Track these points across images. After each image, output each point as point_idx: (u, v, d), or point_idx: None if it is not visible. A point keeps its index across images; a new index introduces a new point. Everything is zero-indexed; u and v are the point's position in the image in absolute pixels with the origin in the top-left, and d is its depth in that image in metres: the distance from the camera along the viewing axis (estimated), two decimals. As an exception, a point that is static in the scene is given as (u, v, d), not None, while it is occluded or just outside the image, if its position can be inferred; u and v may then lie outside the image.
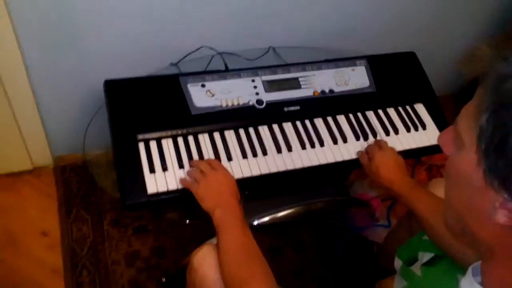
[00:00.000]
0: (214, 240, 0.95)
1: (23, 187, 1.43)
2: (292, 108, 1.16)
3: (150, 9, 1.17)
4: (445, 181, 0.53)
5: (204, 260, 0.88)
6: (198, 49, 1.28)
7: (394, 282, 1.05)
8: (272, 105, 1.14)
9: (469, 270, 0.54)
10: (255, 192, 1.14)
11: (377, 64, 1.28)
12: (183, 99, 1.10)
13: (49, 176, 1.47)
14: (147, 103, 1.08)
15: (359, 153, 1.13)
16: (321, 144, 1.13)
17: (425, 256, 0.97)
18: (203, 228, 1.45)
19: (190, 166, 1.02)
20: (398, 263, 1.06)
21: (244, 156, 1.06)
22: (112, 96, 1.08)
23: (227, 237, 0.85)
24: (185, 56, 1.29)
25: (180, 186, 0.98)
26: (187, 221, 1.11)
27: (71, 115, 1.37)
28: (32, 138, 1.36)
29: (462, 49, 1.75)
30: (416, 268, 0.98)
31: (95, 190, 1.47)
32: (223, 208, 0.89)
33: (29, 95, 1.24)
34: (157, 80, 1.13)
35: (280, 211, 1.30)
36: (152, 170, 0.99)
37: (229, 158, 1.05)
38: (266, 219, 1.24)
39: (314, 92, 1.19)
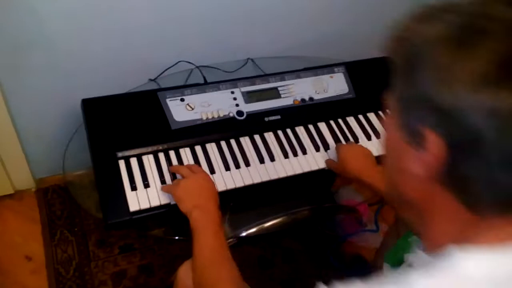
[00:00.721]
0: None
1: (4, 212, 1.40)
2: (273, 117, 1.16)
3: (126, 26, 1.17)
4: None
5: (189, 274, 0.86)
6: (176, 63, 1.28)
7: None
8: (252, 115, 1.14)
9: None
10: (240, 203, 1.13)
11: (355, 70, 1.29)
12: (162, 114, 1.09)
13: (31, 199, 1.44)
14: (126, 120, 1.07)
15: (326, 161, 1.12)
16: (304, 152, 1.13)
17: (410, 258, 0.97)
18: (190, 244, 1.44)
19: (169, 171, 1.01)
20: (386, 267, 1.06)
21: (227, 168, 1.06)
22: (90, 114, 1.07)
23: (199, 241, 0.84)
24: (163, 72, 1.29)
25: (163, 202, 0.97)
26: (176, 237, 1.09)
27: (51, 136, 1.35)
28: (12, 161, 1.34)
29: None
30: (402, 270, 0.98)
31: (78, 211, 1.45)
32: (200, 210, 0.88)
33: (6, 118, 1.22)
34: (135, 96, 1.13)
35: (267, 221, 1.29)
36: (133, 187, 0.98)
37: (212, 171, 1.05)
38: (253, 229, 1.23)
39: (294, 101, 1.19)
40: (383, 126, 0.51)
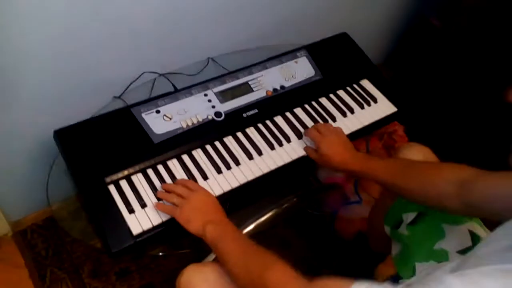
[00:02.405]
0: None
1: (-16, 264, 1.32)
2: (251, 112, 1.16)
3: (81, 46, 1.12)
4: None
5: (190, 281, 0.86)
6: (140, 75, 1.24)
7: (392, 248, 1.10)
8: (230, 114, 1.14)
9: None
10: (236, 203, 1.13)
11: (316, 52, 1.31)
12: (141, 129, 1.06)
13: (9, 244, 1.36)
14: (106, 143, 1.03)
15: (305, 149, 1.13)
16: (288, 140, 1.14)
17: (409, 217, 1.02)
18: (187, 256, 1.42)
19: (164, 190, 0.98)
20: (387, 230, 1.11)
21: (219, 171, 1.05)
22: (66, 145, 1.02)
23: (226, 245, 0.83)
24: (128, 86, 1.24)
25: (164, 218, 0.95)
26: (181, 251, 1.08)
27: (22, 176, 1.28)
28: (-18, 210, 1.26)
29: (381, 23, 1.85)
30: (403, 229, 1.03)
31: (63, 245, 1.38)
32: (213, 223, 0.88)
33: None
34: (108, 117, 1.08)
35: (261, 216, 1.30)
36: (130, 210, 0.95)
37: (205, 177, 1.03)
38: (251, 227, 1.23)
39: (267, 92, 1.20)
40: None
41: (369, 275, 1.37)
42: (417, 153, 1.08)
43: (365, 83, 1.31)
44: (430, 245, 0.96)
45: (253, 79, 1.21)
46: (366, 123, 1.21)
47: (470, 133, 1.71)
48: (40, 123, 1.18)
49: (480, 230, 0.95)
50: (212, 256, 1.11)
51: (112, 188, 0.98)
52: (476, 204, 0.79)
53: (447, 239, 0.95)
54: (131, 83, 1.25)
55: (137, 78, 1.25)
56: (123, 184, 0.99)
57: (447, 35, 1.72)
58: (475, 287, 0.48)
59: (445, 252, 0.94)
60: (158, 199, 0.98)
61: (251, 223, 1.27)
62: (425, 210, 1.00)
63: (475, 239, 0.93)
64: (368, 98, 1.27)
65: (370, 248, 1.40)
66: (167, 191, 0.97)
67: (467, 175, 0.83)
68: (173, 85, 1.21)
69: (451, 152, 1.16)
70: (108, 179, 0.98)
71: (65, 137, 1.03)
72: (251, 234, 1.21)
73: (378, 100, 1.27)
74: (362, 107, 1.25)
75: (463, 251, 0.92)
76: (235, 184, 1.04)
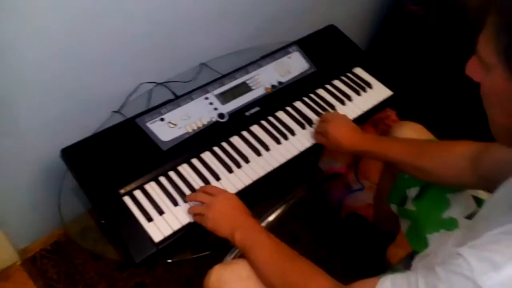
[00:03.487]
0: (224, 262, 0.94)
1: (-4, 296, 1.29)
2: (253, 110, 1.17)
3: (75, 65, 1.11)
4: (485, 104, 0.58)
5: (222, 279, 0.85)
6: (138, 87, 1.24)
7: (401, 226, 1.12)
8: (233, 114, 1.15)
9: None
10: (249, 201, 1.14)
11: (307, 46, 1.34)
12: (148, 139, 1.06)
13: (20, 273, 1.33)
14: (115, 156, 1.03)
15: (314, 136, 1.15)
16: (292, 133, 1.15)
17: (412, 192, 1.05)
18: (201, 260, 1.41)
19: (187, 202, 0.98)
20: (394, 208, 1.13)
21: (230, 170, 1.05)
22: (76, 162, 1.01)
23: (259, 252, 0.83)
24: (127, 98, 1.24)
25: (184, 222, 0.95)
26: (205, 253, 1.07)
27: (27, 201, 1.25)
28: (-10, 241, 1.23)
29: (362, 12, 1.89)
30: (409, 205, 1.06)
31: (75, 267, 1.36)
32: (241, 228, 0.88)
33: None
34: (113, 130, 1.08)
35: (270, 214, 1.31)
36: (149, 218, 0.95)
37: (217, 178, 1.04)
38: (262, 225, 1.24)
39: (266, 89, 1.21)
40: (469, 73, 0.54)
41: (381, 258, 1.39)
42: (411, 130, 1.11)
43: (358, 70, 1.34)
44: (438, 215, 0.99)
45: (250, 78, 1.22)
46: (365, 108, 1.24)
47: (457, 109, 1.76)
48: (42, 146, 1.17)
49: (482, 193, 0.98)
50: (231, 256, 1.11)
51: (127, 199, 0.97)
52: (489, 174, 0.82)
53: (453, 207, 0.98)
54: (129, 95, 1.25)
55: (135, 90, 1.24)
56: (138, 194, 0.99)
57: (425, 20, 1.77)
58: (486, 253, 0.50)
59: (453, 219, 0.96)
60: (175, 204, 0.98)
61: (262, 222, 1.28)
62: (426, 183, 1.03)
63: (479, 202, 0.96)
64: (363, 85, 1.29)
65: (378, 230, 1.42)
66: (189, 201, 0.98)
67: (477, 149, 0.87)
68: (173, 93, 1.21)
69: (443, 129, 1.20)
70: (122, 191, 0.98)
71: (73, 154, 1.02)
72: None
73: (373, 86, 1.30)
74: (358, 93, 1.27)
75: (470, 216, 0.95)
76: (247, 182, 1.05)
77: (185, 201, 0.98)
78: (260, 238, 0.86)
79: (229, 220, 0.90)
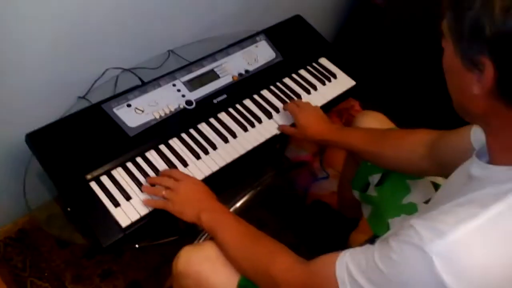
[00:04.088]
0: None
1: (-42, 285, 1.26)
2: (220, 98, 1.18)
3: (39, 50, 1.09)
4: (446, 77, 0.61)
5: (190, 260, 0.87)
6: (104, 72, 1.23)
7: (363, 211, 1.17)
8: (201, 102, 1.16)
9: (473, 157, 0.64)
10: (216, 188, 1.16)
11: (274, 35, 1.36)
12: (115, 125, 1.06)
13: (-17, 262, 1.31)
14: (81, 142, 1.02)
15: (279, 127, 1.17)
16: (259, 121, 1.18)
17: (374, 178, 1.10)
18: (169, 248, 1.43)
19: (149, 183, 0.98)
20: (356, 194, 1.17)
21: (197, 157, 1.07)
22: (41, 147, 1.00)
23: (225, 233, 0.86)
24: (93, 84, 1.23)
25: (151, 208, 0.96)
26: (172, 238, 1.09)
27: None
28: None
29: (328, 4, 1.92)
30: (371, 191, 1.11)
31: (41, 255, 1.35)
32: (207, 211, 0.90)
33: None
34: (79, 116, 1.07)
35: (238, 200, 1.34)
36: (116, 203, 0.95)
37: (185, 164, 1.05)
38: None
39: (233, 77, 1.23)
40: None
41: (344, 243, 1.44)
42: (373, 120, 1.16)
43: (323, 61, 1.37)
44: (399, 200, 1.04)
45: (217, 66, 1.24)
46: (330, 97, 1.27)
47: (418, 98, 1.83)
48: (6, 131, 1.15)
49: (441, 180, 1.03)
50: (199, 241, 1.13)
51: (94, 185, 0.97)
52: (445, 161, 0.87)
53: (413, 193, 1.03)
54: (95, 81, 1.24)
55: (102, 75, 1.23)
56: (104, 179, 0.99)
57: (388, 13, 1.82)
58: (434, 223, 0.54)
59: (413, 204, 1.02)
60: (141, 190, 0.98)
61: (229, 207, 1.30)
62: (388, 170, 1.08)
63: (438, 188, 1.01)
64: (328, 75, 1.33)
65: (342, 217, 1.47)
66: (153, 184, 0.98)
67: (434, 136, 0.92)
68: (140, 79, 1.21)
69: (404, 118, 1.25)
70: (89, 176, 0.98)
71: (39, 139, 1.01)
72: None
73: (337, 76, 1.33)
74: (323, 83, 1.31)
75: (429, 201, 1.00)
76: (215, 168, 1.06)
77: (152, 185, 0.99)
78: (226, 219, 0.89)
79: (195, 203, 0.92)
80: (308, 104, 1.18)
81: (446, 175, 0.81)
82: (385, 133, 1.06)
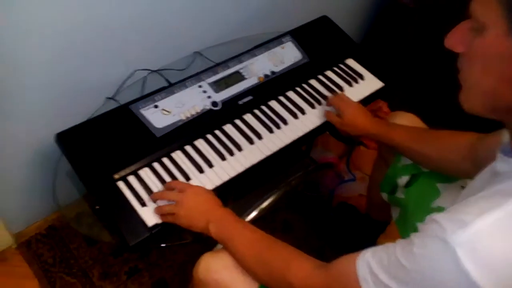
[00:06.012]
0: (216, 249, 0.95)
1: (-9, 279, 1.31)
2: (246, 99, 1.19)
3: (71, 51, 1.12)
4: (469, 70, 0.59)
5: (210, 268, 0.87)
6: (133, 73, 1.25)
7: (392, 214, 1.15)
8: (227, 103, 1.16)
9: (498, 154, 0.63)
10: (240, 189, 1.16)
11: (301, 36, 1.35)
12: (142, 125, 1.08)
13: (16, 256, 1.35)
14: (109, 142, 1.04)
15: (325, 113, 1.18)
16: (284, 122, 1.17)
17: (403, 180, 1.08)
18: (194, 248, 1.44)
19: (152, 199, 0.97)
20: (385, 196, 1.16)
21: (223, 158, 1.07)
22: (71, 146, 1.03)
23: (236, 243, 0.84)
24: (121, 85, 1.25)
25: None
26: (184, 242, 1.09)
27: (22, 185, 1.27)
28: (-15, 224, 1.25)
29: (355, 5, 1.90)
30: (399, 193, 1.09)
31: (70, 251, 1.38)
32: (214, 221, 0.88)
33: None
34: (108, 116, 1.09)
35: (263, 201, 1.33)
36: (142, 203, 0.97)
37: (210, 165, 1.06)
38: (254, 213, 1.26)
39: (259, 79, 1.23)
40: (451, 44, 0.60)
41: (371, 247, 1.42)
42: (405, 121, 1.15)
43: (350, 62, 1.35)
44: (427, 204, 1.02)
45: (243, 67, 1.24)
46: (357, 99, 1.25)
47: (447, 100, 1.78)
48: (36, 131, 1.18)
49: None
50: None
51: (121, 184, 0.99)
52: (482, 163, 0.85)
53: (442, 197, 1.01)
54: (123, 82, 1.26)
55: (130, 77, 1.26)
56: (132, 179, 1.00)
57: (418, 13, 1.79)
58: (456, 215, 0.53)
59: (442, 209, 0.99)
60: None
61: (254, 209, 1.30)
62: (417, 172, 1.06)
63: None
64: (355, 76, 1.31)
65: (371, 220, 1.45)
66: (156, 199, 0.97)
67: (475, 139, 0.91)
68: (167, 80, 1.23)
69: (433, 120, 1.23)
70: (116, 176, 0.99)
71: (68, 139, 1.03)
72: (254, 220, 1.24)
73: (365, 77, 1.31)
74: (350, 85, 1.29)
75: None
76: (240, 169, 1.06)
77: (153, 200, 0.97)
78: (235, 229, 0.87)
79: (201, 215, 0.90)
80: (349, 98, 1.19)
81: None
82: (428, 132, 1.07)
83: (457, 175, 1.00)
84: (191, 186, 0.97)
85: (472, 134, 0.95)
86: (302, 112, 1.20)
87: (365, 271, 0.61)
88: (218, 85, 1.18)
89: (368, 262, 0.61)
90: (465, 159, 0.93)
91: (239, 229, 0.87)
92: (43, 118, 1.18)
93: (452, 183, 1.02)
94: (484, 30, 0.55)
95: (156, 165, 1.04)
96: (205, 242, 1.06)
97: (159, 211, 0.95)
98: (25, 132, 1.17)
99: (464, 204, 0.55)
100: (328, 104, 1.20)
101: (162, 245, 1.13)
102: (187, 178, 1.02)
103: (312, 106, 1.22)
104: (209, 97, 1.16)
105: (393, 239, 1.18)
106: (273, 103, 1.21)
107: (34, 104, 1.15)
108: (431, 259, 0.53)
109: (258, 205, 1.33)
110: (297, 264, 0.77)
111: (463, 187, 1.01)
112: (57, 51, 1.10)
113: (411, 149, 1.03)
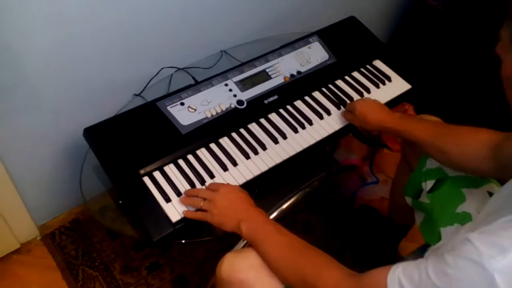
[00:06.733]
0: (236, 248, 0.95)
1: (16, 268, 1.33)
2: (271, 98, 1.18)
3: (98, 49, 1.14)
4: (505, 86, 0.59)
5: (234, 268, 0.86)
6: (160, 71, 1.27)
7: (415, 218, 1.13)
8: (252, 102, 1.16)
9: None
10: (264, 188, 1.15)
11: (328, 36, 1.34)
12: (168, 122, 1.08)
13: (40, 248, 1.38)
14: (136, 138, 1.05)
15: (342, 115, 1.18)
16: (310, 123, 1.16)
17: (428, 184, 1.05)
18: (215, 246, 1.44)
19: (186, 195, 0.98)
20: (409, 200, 1.14)
21: (247, 157, 1.07)
22: (98, 141, 1.04)
23: (268, 246, 0.83)
24: (148, 82, 1.27)
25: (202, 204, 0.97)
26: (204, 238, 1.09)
27: (45, 178, 1.30)
28: (13, 215, 1.27)
29: (382, 5, 1.88)
30: (424, 198, 1.06)
31: (93, 245, 1.40)
32: (246, 221, 0.88)
33: (3, 172, 1.16)
34: (135, 112, 1.11)
35: (284, 202, 1.32)
36: (167, 199, 0.97)
37: (234, 164, 1.06)
38: (275, 214, 1.26)
39: (284, 78, 1.22)
40: (498, 52, 0.60)
41: (392, 251, 1.40)
42: None
43: (378, 63, 1.34)
44: (452, 209, 0.99)
45: (269, 66, 1.24)
46: (384, 101, 1.24)
47: (474, 104, 1.75)
48: (65, 125, 1.20)
49: (497, 190, 0.98)
50: (242, 243, 1.13)
51: (146, 180, 1.00)
52: (507, 164, 0.83)
53: (468, 202, 0.98)
54: (151, 79, 1.27)
55: (157, 74, 1.27)
56: (157, 175, 1.01)
57: (446, 15, 1.76)
58: (493, 238, 0.51)
59: (467, 214, 0.97)
60: (192, 186, 1.00)
61: (276, 209, 1.29)
62: (442, 176, 1.03)
63: None
64: (382, 78, 1.30)
65: (393, 224, 1.43)
66: (189, 196, 0.97)
67: (499, 138, 0.88)
68: (193, 78, 1.23)
69: (461, 123, 1.20)
70: (142, 171, 1.00)
71: (96, 134, 1.05)
72: (275, 220, 1.24)
73: (392, 79, 1.30)
74: (377, 86, 1.28)
75: None
76: (264, 168, 1.06)
77: (202, 184, 1.00)
78: (268, 231, 0.86)
79: (234, 214, 0.89)
80: (368, 98, 1.18)
81: (505, 180, 0.77)
82: (449, 128, 1.01)
83: (479, 174, 0.97)
84: (224, 185, 0.97)
85: (493, 132, 0.92)
86: (328, 112, 1.19)
87: (395, 287, 0.60)
88: (244, 84, 1.18)
89: (399, 278, 0.61)
90: (486, 158, 0.89)
91: (271, 231, 0.86)
92: (72, 113, 1.20)
93: (478, 188, 0.99)
94: (508, 53, 0.57)
95: (181, 161, 1.05)
96: (224, 240, 1.06)
97: (191, 203, 0.95)
98: (55, 126, 1.20)
99: (500, 225, 0.54)
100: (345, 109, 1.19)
101: (183, 241, 1.14)
102: (211, 175, 1.03)
103: (338, 107, 1.21)
104: (234, 95, 1.16)
105: (415, 243, 1.17)
106: (299, 103, 1.21)
107: (64, 99, 1.18)
108: (466, 283, 0.52)
109: (280, 206, 1.32)
110: (328, 272, 0.76)
111: (489, 192, 0.99)
112: (91, 50, 1.12)
113: (431, 145, 0.99)
